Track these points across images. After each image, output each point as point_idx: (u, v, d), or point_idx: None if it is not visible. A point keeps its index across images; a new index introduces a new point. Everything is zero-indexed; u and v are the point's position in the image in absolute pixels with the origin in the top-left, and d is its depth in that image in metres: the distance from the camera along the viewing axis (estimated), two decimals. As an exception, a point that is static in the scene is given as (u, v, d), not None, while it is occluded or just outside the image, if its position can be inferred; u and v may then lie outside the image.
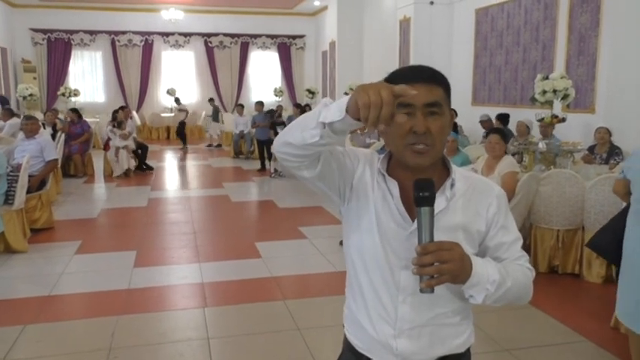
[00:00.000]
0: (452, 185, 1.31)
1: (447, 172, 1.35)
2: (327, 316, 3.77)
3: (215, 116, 14.97)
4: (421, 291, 1.16)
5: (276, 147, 1.24)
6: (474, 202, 1.33)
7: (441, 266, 1.15)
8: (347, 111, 1.08)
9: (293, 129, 1.19)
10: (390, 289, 1.33)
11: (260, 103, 11.20)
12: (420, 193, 1.17)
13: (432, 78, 1.27)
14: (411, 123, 1.24)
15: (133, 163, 9.98)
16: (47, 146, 6.24)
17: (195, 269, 4.80)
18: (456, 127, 8.34)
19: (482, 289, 1.24)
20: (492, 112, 8.63)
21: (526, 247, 4.73)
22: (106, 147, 10.06)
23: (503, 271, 1.28)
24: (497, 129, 4.98)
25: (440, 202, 1.29)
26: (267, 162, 10.44)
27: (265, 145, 10.46)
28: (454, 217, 1.30)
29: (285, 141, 1.21)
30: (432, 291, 1.16)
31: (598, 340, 3.43)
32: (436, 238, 1.19)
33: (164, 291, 4.35)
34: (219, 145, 14.56)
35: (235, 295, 4.25)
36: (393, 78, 1.28)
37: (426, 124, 1.24)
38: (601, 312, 3.81)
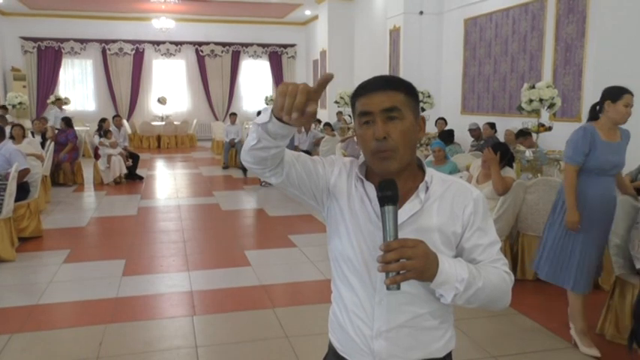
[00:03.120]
0: (426, 188, 1.35)
1: (423, 176, 1.39)
2: (315, 324, 3.78)
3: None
4: (387, 288, 1.18)
5: (241, 156, 1.31)
6: (450, 205, 1.35)
7: (405, 263, 1.16)
8: (273, 112, 1.16)
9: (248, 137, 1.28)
10: (367, 290, 1.36)
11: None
12: (382, 193, 1.21)
13: (389, 85, 1.32)
14: (372, 130, 1.30)
15: (124, 170, 9.95)
16: (13, 157, 5.72)
17: (184, 277, 4.79)
18: (452, 136, 8.39)
19: (451, 287, 1.24)
20: (481, 120, 8.70)
21: (513, 255, 4.78)
22: (97, 156, 10.03)
23: (475, 271, 1.28)
24: (498, 145, 4.88)
25: (414, 205, 1.33)
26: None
27: None
28: (429, 219, 1.33)
29: (243, 149, 1.29)
30: (399, 288, 1.17)
31: (584, 347, 3.45)
32: (412, 238, 1.22)
33: (152, 299, 4.34)
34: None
35: (224, 304, 4.25)
36: (356, 90, 1.36)
37: (385, 129, 1.29)
38: (587, 318, 3.84)
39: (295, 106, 1.09)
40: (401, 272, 1.16)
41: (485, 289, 1.29)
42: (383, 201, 1.20)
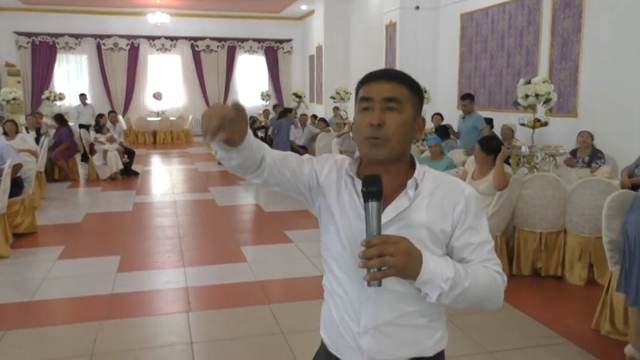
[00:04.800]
0: (416, 185, 1.33)
1: (414, 173, 1.36)
2: (311, 320, 3.74)
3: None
4: (368, 285, 1.18)
5: None
6: (440, 202, 1.33)
7: (386, 259, 1.15)
8: None
9: None
10: (355, 286, 1.35)
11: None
12: (366, 188, 1.20)
13: (394, 77, 1.33)
14: (369, 117, 1.30)
15: (121, 166, 9.90)
16: (5, 152, 5.64)
17: (179, 274, 4.78)
18: (447, 132, 8.36)
19: (436, 286, 1.22)
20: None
21: (509, 250, 4.78)
22: (92, 152, 9.98)
23: (462, 270, 1.26)
24: (484, 139, 4.88)
25: (402, 202, 1.32)
26: None
27: None
28: (418, 216, 1.31)
29: None
30: (380, 284, 1.17)
31: (580, 342, 3.46)
32: (399, 235, 1.22)
33: (148, 296, 4.32)
34: None
35: (219, 300, 4.23)
36: (363, 77, 1.37)
37: (382, 117, 1.29)
38: (583, 314, 3.86)
39: (209, 130, 1.16)
40: (382, 269, 1.16)
41: (472, 290, 1.26)
42: (367, 196, 1.20)
